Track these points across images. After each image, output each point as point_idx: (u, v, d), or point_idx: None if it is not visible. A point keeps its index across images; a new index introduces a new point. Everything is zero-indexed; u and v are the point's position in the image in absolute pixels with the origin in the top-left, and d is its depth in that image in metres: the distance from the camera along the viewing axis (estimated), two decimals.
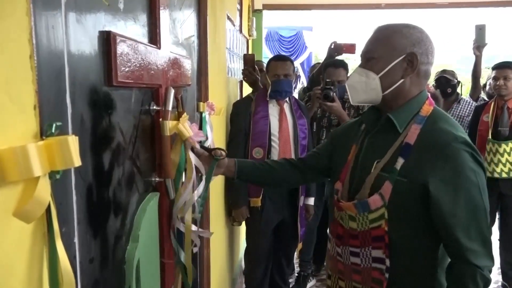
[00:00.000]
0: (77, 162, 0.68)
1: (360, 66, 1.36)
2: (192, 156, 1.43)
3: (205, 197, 1.50)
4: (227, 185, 2.96)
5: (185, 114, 1.42)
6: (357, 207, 1.30)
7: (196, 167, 1.46)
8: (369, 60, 1.33)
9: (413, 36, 1.30)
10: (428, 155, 1.23)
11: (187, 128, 1.39)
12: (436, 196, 1.21)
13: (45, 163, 0.62)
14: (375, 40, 1.34)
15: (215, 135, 2.36)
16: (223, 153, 1.55)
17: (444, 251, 1.29)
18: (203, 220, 2.16)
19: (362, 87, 1.33)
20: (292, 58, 3.30)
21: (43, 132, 0.69)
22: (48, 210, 0.68)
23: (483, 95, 4.25)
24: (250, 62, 3.36)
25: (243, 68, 3.36)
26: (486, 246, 1.22)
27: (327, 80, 2.93)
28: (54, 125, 0.68)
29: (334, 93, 2.82)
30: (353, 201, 1.33)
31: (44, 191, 0.65)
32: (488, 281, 1.22)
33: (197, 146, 1.48)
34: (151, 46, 1.27)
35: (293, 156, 2.84)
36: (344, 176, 1.42)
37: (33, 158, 0.59)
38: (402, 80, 1.31)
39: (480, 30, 3.67)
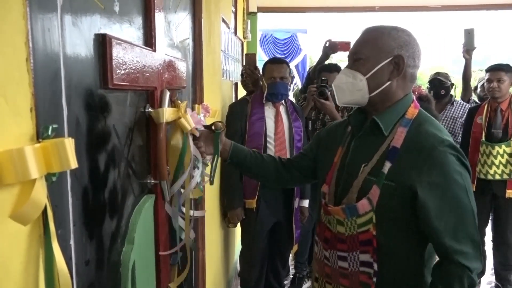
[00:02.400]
0: (74, 164, 0.68)
1: (347, 67, 1.36)
2: (192, 146, 1.43)
3: (215, 170, 1.55)
4: (222, 187, 2.96)
5: (185, 102, 1.41)
6: (345, 211, 1.30)
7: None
8: (356, 61, 1.33)
9: (400, 38, 1.31)
10: (415, 158, 1.23)
11: (188, 120, 1.39)
12: (424, 200, 1.21)
13: (41, 165, 0.63)
14: (363, 41, 1.34)
15: None
16: (221, 125, 1.56)
17: (431, 252, 1.30)
18: (197, 221, 2.16)
19: (349, 88, 1.34)
20: (287, 60, 3.31)
21: (40, 135, 0.69)
22: (44, 212, 0.69)
23: (474, 97, 4.28)
24: (251, 61, 3.37)
25: (244, 67, 3.37)
26: (476, 248, 1.23)
27: (323, 78, 2.98)
28: (50, 128, 0.69)
29: (329, 92, 2.87)
30: (340, 205, 1.33)
31: (40, 194, 0.65)
32: (474, 284, 1.22)
33: (198, 134, 1.48)
34: (146, 49, 1.28)
35: None
36: (330, 179, 1.42)
37: (30, 160, 0.60)
38: (388, 83, 1.31)
39: (469, 34, 3.70)
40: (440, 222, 1.21)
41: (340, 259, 1.34)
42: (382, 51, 1.30)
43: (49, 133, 0.68)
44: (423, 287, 1.30)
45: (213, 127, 1.56)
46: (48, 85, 0.77)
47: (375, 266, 1.26)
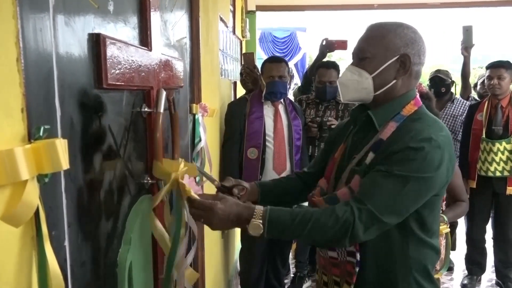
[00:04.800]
0: (65, 165, 0.67)
1: (353, 64, 1.35)
2: (186, 213, 1.33)
3: None
4: None
5: (182, 162, 1.33)
6: (327, 201, 1.31)
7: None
8: (362, 59, 1.32)
9: (406, 36, 1.29)
10: (393, 144, 1.23)
11: (184, 187, 1.27)
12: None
13: (32, 166, 0.62)
14: (369, 39, 1.32)
15: (209, 136, 2.36)
16: (239, 190, 1.51)
17: (422, 254, 1.29)
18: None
19: (354, 86, 1.33)
20: (286, 59, 3.31)
21: (31, 136, 0.68)
22: (36, 213, 0.68)
23: (474, 95, 4.27)
24: (250, 60, 3.36)
25: (242, 67, 3.36)
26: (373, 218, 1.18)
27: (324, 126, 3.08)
28: (42, 128, 0.68)
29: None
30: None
31: (32, 195, 0.64)
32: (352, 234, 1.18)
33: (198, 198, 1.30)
34: (142, 48, 1.27)
35: (287, 157, 2.85)
36: (329, 173, 1.42)
37: (20, 161, 0.59)
38: (394, 81, 1.31)
39: (467, 31, 3.69)
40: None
41: (330, 249, 1.36)
42: (388, 50, 1.29)
43: (41, 133, 0.67)
44: (409, 278, 1.29)
45: (233, 192, 1.50)
46: (40, 86, 0.76)
47: (358, 256, 1.28)
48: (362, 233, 1.18)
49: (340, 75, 1.40)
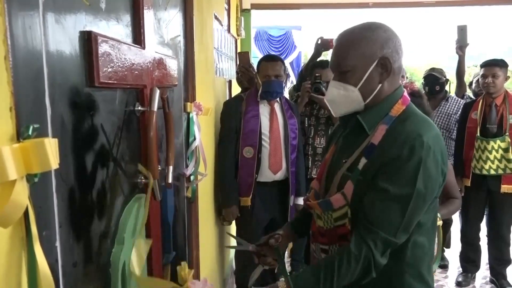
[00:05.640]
0: (54, 164, 0.66)
1: (335, 79, 1.32)
2: None
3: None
4: (216, 184, 2.95)
5: (191, 272, 1.32)
6: (321, 205, 1.32)
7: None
8: (343, 73, 1.29)
9: (379, 38, 1.26)
10: (385, 153, 1.22)
11: None
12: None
13: (20, 166, 0.61)
14: (344, 52, 1.29)
15: (204, 135, 2.35)
16: (275, 240, 1.52)
17: (418, 256, 1.28)
18: (191, 220, 2.15)
19: (343, 100, 1.30)
20: (282, 57, 3.29)
21: (20, 135, 0.67)
22: (26, 214, 0.67)
23: (469, 93, 4.28)
24: (245, 59, 3.35)
25: (238, 66, 3.34)
26: (385, 242, 1.20)
27: (316, 74, 2.98)
28: (31, 127, 0.67)
29: (324, 87, 2.87)
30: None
31: (21, 195, 0.63)
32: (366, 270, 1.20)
33: None
34: (135, 46, 1.26)
35: (283, 156, 2.84)
36: (320, 175, 1.42)
37: (8, 161, 0.58)
38: (380, 85, 1.29)
39: (462, 31, 3.70)
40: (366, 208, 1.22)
41: (323, 252, 1.36)
42: (366, 58, 1.26)
43: (30, 133, 0.66)
44: (403, 284, 1.28)
45: (270, 244, 1.51)
46: (29, 84, 0.75)
47: None
48: (382, 260, 1.20)
49: (326, 93, 1.36)
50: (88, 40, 0.97)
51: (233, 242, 1.66)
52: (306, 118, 3.25)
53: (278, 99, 2.89)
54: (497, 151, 3.25)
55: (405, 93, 1.34)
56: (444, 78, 3.87)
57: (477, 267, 3.68)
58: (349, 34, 1.31)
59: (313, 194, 1.42)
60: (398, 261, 1.27)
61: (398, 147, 1.19)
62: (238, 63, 3.69)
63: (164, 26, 1.65)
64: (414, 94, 2.15)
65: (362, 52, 1.26)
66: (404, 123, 1.25)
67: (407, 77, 3.56)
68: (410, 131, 1.21)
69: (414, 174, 1.18)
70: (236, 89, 3.97)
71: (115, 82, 1.10)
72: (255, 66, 3.17)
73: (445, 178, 1.28)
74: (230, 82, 4.04)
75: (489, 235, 3.65)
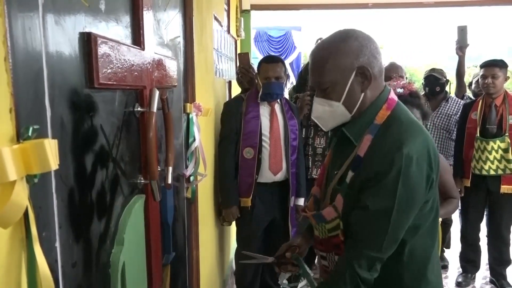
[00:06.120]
0: (54, 165, 0.67)
1: (318, 96, 1.30)
2: None
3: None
4: (216, 185, 2.95)
5: None
6: (315, 218, 1.34)
7: None
8: (324, 90, 1.27)
9: (352, 48, 1.23)
10: (368, 166, 1.21)
11: None
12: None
13: (20, 167, 0.61)
14: (319, 69, 1.26)
15: (203, 136, 2.35)
16: (293, 247, 1.56)
17: (417, 259, 1.28)
18: (191, 220, 2.15)
19: (329, 116, 1.30)
20: (282, 58, 3.29)
21: (20, 136, 0.68)
22: (26, 214, 0.67)
23: (469, 93, 4.28)
24: (245, 60, 3.35)
25: (238, 67, 3.34)
26: (370, 259, 1.20)
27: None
28: (31, 129, 0.67)
29: None
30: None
31: (21, 196, 0.63)
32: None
33: None
34: (134, 47, 1.26)
35: (283, 157, 2.85)
36: (321, 182, 1.43)
37: (8, 162, 0.58)
38: (363, 94, 1.26)
39: (462, 31, 3.70)
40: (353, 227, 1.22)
41: (322, 258, 1.39)
42: (343, 71, 1.23)
43: (30, 134, 0.66)
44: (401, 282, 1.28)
45: (288, 254, 1.55)
46: (29, 85, 0.75)
47: None
48: (369, 275, 1.20)
49: (312, 110, 1.35)
50: (87, 41, 0.97)
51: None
52: (304, 130, 3.24)
53: (278, 100, 2.90)
54: (496, 151, 3.25)
55: (391, 95, 1.30)
56: (445, 79, 3.87)
57: (477, 267, 3.68)
58: (321, 49, 1.28)
59: (312, 202, 1.43)
60: (396, 266, 1.27)
61: (379, 162, 1.18)
62: (238, 64, 3.69)
63: (163, 27, 1.65)
64: (412, 94, 2.14)
65: (337, 66, 1.23)
66: (387, 133, 1.22)
67: (406, 77, 3.55)
68: (392, 143, 1.19)
69: (394, 187, 1.16)
70: (236, 90, 3.97)
71: (115, 83, 1.10)
72: (255, 67, 3.17)
73: (436, 181, 1.24)
74: (229, 82, 4.04)
75: (489, 236, 3.64)
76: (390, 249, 1.21)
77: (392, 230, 1.18)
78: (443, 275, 3.85)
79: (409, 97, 2.16)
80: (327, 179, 1.39)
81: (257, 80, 2.88)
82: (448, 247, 4.10)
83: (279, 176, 2.87)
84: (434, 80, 3.83)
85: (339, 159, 1.32)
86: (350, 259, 1.21)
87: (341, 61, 1.23)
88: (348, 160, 1.28)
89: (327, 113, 1.29)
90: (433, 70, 3.91)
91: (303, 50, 9.53)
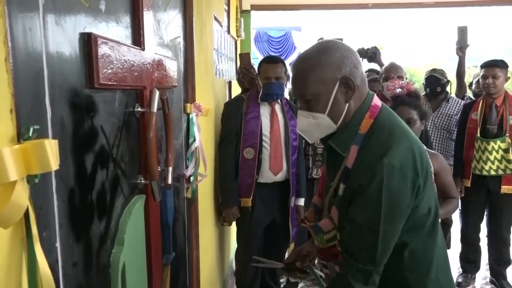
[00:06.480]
0: (55, 166, 0.67)
1: (301, 108, 1.29)
2: None
3: None
4: (216, 185, 2.95)
5: None
6: (313, 229, 1.35)
7: None
8: (308, 101, 1.26)
9: (333, 59, 1.22)
10: (354, 179, 1.21)
11: None
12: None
13: (21, 167, 0.61)
14: (302, 81, 1.25)
15: (203, 136, 2.35)
16: (303, 256, 1.55)
17: (419, 261, 1.27)
18: (191, 220, 2.15)
19: (315, 128, 1.29)
20: (282, 58, 3.29)
21: (21, 136, 0.68)
22: (26, 214, 0.67)
23: (469, 93, 4.28)
24: (246, 60, 3.35)
25: (239, 67, 3.34)
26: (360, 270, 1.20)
27: None
28: (31, 129, 0.67)
29: None
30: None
31: (21, 196, 0.64)
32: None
33: None
34: (134, 48, 1.27)
35: (283, 157, 2.85)
36: (320, 190, 1.44)
37: (8, 162, 0.58)
38: (347, 104, 1.26)
39: (462, 32, 3.70)
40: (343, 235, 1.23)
41: (324, 267, 1.40)
42: (326, 83, 1.22)
43: (30, 134, 0.66)
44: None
45: (298, 265, 1.53)
46: (30, 85, 0.75)
47: None
48: (368, 287, 1.19)
49: (297, 123, 1.33)
50: (88, 41, 0.97)
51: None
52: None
53: (279, 100, 2.90)
54: (497, 151, 3.25)
55: (374, 101, 1.28)
56: (445, 79, 3.87)
57: (477, 267, 3.68)
58: (303, 62, 1.27)
59: (312, 212, 1.44)
60: (399, 271, 1.27)
61: (363, 174, 1.18)
62: (239, 64, 3.69)
63: (163, 27, 1.65)
64: (411, 94, 2.14)
65: (320, 78, 1.22)
66: (370, 143, 1.22)
67: (406, 78, 3.55)
68: (374, 154, 1.18)
69: (377, 197, 1.15)
70: (236, 90, 3.97)
71: (115, 83, 1.10)
72: (255, 67, 3.17)
73: (424, 185, 1.22)
74: (229, 83, 4.04)
75: (489, 236, 3.64)
76: (383, 260, 1.20)
77: (381, 242, 1.18)
78: None
79: (407, 98, 2.16)
80: (325, 189, 1.39)
81: (258, 81, 2.89)
82: (448, 247, 4.10)
83: (280, 176, 2.87)
84: (435, 80, 3.82)
85: (332, 171, 1.32)
86: (345, 275, 1.22)
87: (323, 72, 1.22)
88: (339, 173, 1.27)
89: (313, 125, 1.28)
90: (434, 70, 3.91)
91: (303, 50, 9.52)
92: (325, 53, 1.23)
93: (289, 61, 8.76)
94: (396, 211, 1.18)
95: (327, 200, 1.32)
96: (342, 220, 1.24)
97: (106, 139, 1.11)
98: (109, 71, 1.05)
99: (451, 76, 4.06)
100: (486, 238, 3.66)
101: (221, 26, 3.49)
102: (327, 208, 1.33)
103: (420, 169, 1.20)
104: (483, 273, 3.79)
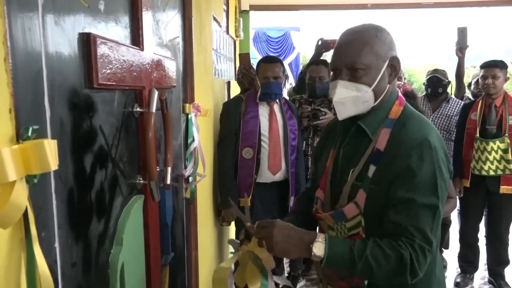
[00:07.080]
0: (54, 166, 0.67)
1: (343, 79, 1.25)
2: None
3: None
4: (215, 185, 2.95)
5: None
6: (334, 217, 1.29)
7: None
8: (355, 71, 1.23)
9: (387, 39, 1.26)
10: (396, 160, 1.21)
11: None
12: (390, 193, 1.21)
13: (20, 167, 0.61)
14: (357, 50, 1.23)
15: (202, 136, 2.35)
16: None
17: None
18: (189, 221, 2.15)
19: (353, 102, 1.26)
20: (280, 58, 3.30)
21: (20, 136, 0.68)
22: (25, 215, 0.67)
23: (468, 94, 4.28)
24: (246, 61, 3.35)
25: (238, 67, 3.34)
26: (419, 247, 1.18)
27: (316, 107, 3.13)
28: (30, 129, 0.67)
29: (323, 113, 3.06)
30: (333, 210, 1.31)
31: (20, 196, 0.64)
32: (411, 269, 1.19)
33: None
34: (133, 48, 1.26)
35: (282, 157, 2.85)
36: (324, 184, 1.39)
37: (7, 162, 0.58)
38: (388, 86, 1.28)
39: (462, 33, 3.70)
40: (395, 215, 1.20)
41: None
42: (380, 57, 1.24)
43: (29, 134, 0.66)
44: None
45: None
46: (29, 85, 0.75)
47: None
48: (420, 268, 1.18)
49: (333, 93, 1.29)
50: (87, 41, 0.97)
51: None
52: (303, 137, 3.26)
53: (277, 100, 2.90)
54: (496, 152, 3.25)
55: (400, 93, 1.34)
56: (447, 80, 3.88)
57: (475, 267, 3.68)
58: (360, 32, 1.28)
59: (320, 205, 1.39)
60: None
61: (407, 155, 1.19)
62: (238, 64, 3.69)
63: (162, 27, 1.65)
64: (407, 94, 2.15)
65: (376, 52, 1.24)
66: (406, 126, 1.24)
67: (405, 78, 3.56)
68: (415, 134, 1.21)
69: (434, 182, 1.19)
70: (235, 90, 3.97)
71: (114, 83, 1.10)
72: (255, 67, 3.17)
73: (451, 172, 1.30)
74: (228, 83, 4.04)
75: (487, 236, 3.65)
76: (434, 244, 1.21)
77: (435, 224, 1.20)
78: None
79: (405, 97, 2.17)
80: (335, 179, 1.35)
81: (256, 80, 2.89)
82: (446, 247, 4.11)
83: (278, 176, 2.87)
84: (436, 81, 3.83)
85: (354, 157, 1.30)
86: (405, 247, 1.16)
87: (379, 47, 1.25)
88: (365, 155, 1.26)
89: (351, 98, 1.26)
90: (436, 71, 3.91)
91: (302, 50, 9.54)
92: (380, 31, 1.27)
93: (288, 61, 8.78)
94: (444, 194, 1.22)
95: (348, 187, 1.27)
96: (371, 203, 1.22)
97: (105, 139, 1.11)
98: (108, 71, 1.05)
99: (451, 76, 4.06)
100: (485, 238, 3.66)
101: (220, 26, 3.49)
102: (347, 195, 1.27)
103: (448, 156, 1.27)
104: (482, 273, 3.80)
